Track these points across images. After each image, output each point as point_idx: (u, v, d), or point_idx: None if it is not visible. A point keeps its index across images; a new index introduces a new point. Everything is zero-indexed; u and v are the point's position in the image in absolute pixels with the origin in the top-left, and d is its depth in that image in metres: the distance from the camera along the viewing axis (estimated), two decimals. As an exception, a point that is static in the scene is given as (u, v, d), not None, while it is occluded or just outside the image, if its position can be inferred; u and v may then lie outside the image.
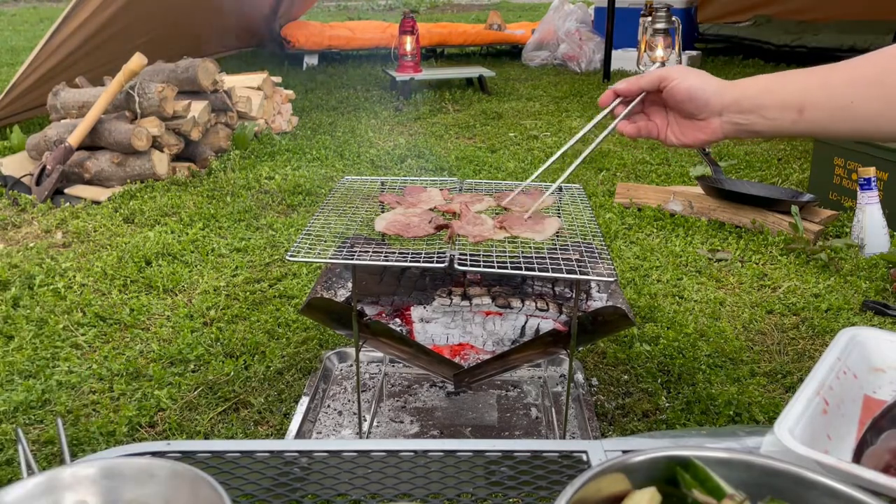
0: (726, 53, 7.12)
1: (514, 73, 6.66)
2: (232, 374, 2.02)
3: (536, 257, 1.32)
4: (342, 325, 1.52)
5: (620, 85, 1.05)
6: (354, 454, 0.81)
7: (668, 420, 1.85)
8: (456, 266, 1.29)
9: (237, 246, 2.86)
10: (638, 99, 1.05)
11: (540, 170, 1.25)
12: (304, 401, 1.78)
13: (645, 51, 5.11)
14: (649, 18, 5.09)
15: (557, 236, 1.42)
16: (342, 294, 1.64)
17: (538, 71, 6.77)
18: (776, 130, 0.95)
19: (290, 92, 4.70)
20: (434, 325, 1.52)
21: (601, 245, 1.40)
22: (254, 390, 1.97)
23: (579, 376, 1.89)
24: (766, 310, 2.38)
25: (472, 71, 5.93)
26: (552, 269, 1.28)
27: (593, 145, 1.13)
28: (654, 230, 3.03)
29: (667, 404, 1.92)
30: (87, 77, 4.01)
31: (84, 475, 0.62)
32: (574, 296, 1.43)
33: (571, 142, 1.17)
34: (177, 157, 3.77)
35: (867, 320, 2.31)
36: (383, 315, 1.57)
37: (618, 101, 1.06)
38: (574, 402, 1.79)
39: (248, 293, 2.49)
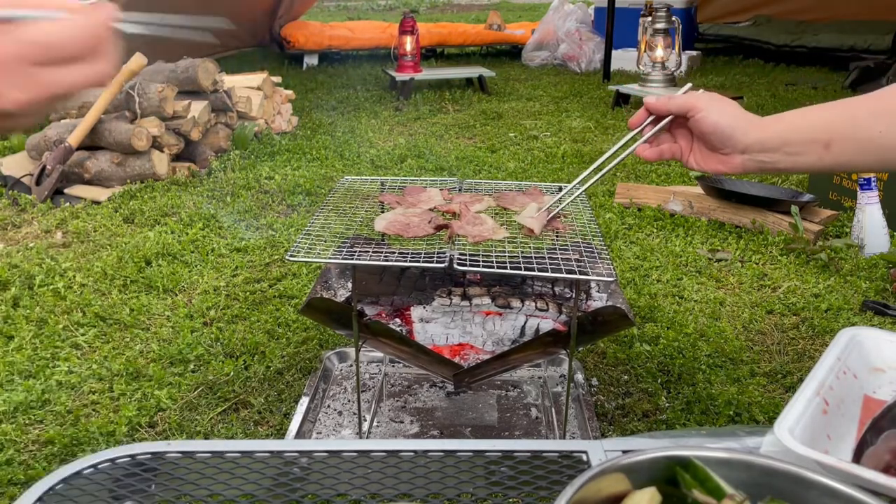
0: (726, 53, 7.11)
1: (514, 73, 6.66)
2: (232, 374, 2.02)
3: (536, 257, 1.32)
4: (342, 325, 1.52)
5: (650, 100, 1.04)
6: (354, 454, 0.80)
7: (668, 420, 1.85)
8: (456, 266, 1.29)
9: (237, 246, 2.86)
10: (665, 121, 1.04)
11: (584, 180, 1.30)
12: (304, 401, 1.78)
13: (645, 51, 5.12)
14: (649, 18, 5.10)
15: (557, 237, 1.42)
16: (342, 294, 1.64)
17: (538, 71, 6.77)
18: (801, 166, 0.94)
19: (290, 92, 4.69)
20: (434, 325, 1.52)
21: (601, 245, 1.40)
22: (254, 390, 1.97)
23: (579, 376, 1.89)
24: (766, 310, 2.37)
25: (472, 71, 5.94)
26: (552, 269, 1.28)
27: (612, 164, 1.16)
28: (654, 230, 3.03)
29: (667, 404, 1.92)
30: (87, 77, 4.01)
31: None
32: (574, 296, 1.43)
33: (598, 162, 1.20)
34: (177, 157, 3.77)
35: (867, 320, 2.30)
36: (383, 315, 1.56)
37: (647, 121, 1.06)
38: (574, 402, 1.79)
39: (248, 293, 2.49)
